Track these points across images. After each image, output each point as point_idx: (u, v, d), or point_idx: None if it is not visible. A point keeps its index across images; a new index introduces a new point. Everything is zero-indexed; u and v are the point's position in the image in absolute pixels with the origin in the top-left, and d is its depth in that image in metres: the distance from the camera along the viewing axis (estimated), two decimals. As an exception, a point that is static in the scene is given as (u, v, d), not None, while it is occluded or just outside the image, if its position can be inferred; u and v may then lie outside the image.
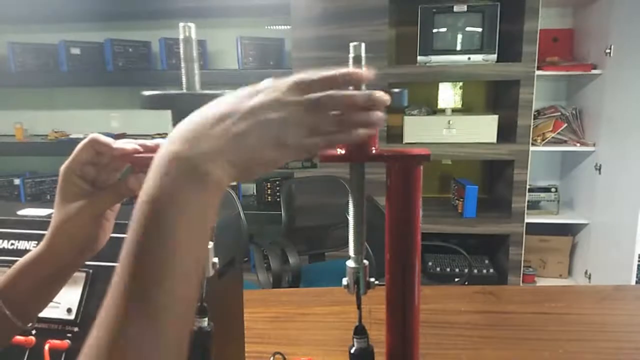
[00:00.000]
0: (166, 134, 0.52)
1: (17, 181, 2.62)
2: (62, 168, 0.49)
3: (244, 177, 0.39)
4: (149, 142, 0.51)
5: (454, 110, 2.41)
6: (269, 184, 2.55)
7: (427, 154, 0.47)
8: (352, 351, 0.52)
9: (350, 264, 0.50)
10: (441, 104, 2.46)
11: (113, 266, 0.74)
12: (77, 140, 0.51)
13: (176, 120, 0.49)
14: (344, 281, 0.50)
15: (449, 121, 2.22)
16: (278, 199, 2.43)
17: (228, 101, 0.39)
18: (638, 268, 2.12)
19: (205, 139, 0.37)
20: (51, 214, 0.50)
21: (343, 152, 0.47)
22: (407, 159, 0.47)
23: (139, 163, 0.49)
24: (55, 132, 2.66)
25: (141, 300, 0.34)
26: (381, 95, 0.41)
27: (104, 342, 0.33)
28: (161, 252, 0.35)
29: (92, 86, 2.63)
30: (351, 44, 0.44)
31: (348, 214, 0.50)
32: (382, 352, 0.52)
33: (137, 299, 0.34)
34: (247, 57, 2.42)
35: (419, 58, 2.19)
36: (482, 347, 0.83)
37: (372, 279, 0.50)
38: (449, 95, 2.49)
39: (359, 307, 0.51)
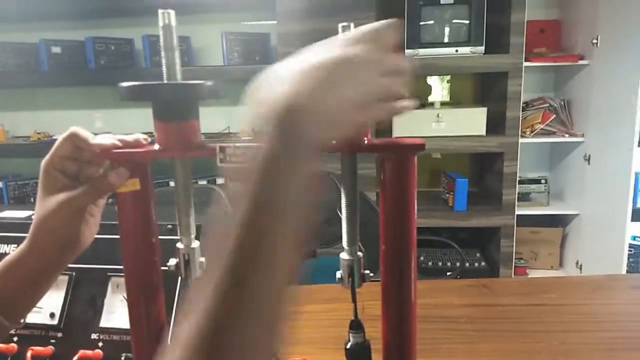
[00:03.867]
0: (151, 132, 0.51)
1: (-1, 184, 2.56)
2: (43, 162, 0.49)
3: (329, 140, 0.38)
4: (128, 138, 0.49)
5: (443, 104, 2.40)
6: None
7: (421, 144, 0.45)
8: (347, 346, 0.50)
9: (344, 256, 0.48)
10: (430, 97, 2.45)
11: (96, 269, 0.72)
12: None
13: (157, 112, 0.47)
14: (338, 274, 0.48)
15: (437, 114, 2.21)
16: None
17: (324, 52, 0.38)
18: (628, 257, 2.14)
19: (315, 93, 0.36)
20: (31, 215, 0.49)
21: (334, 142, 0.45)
22: (401, 149, 0.46)
23: (117, 159, 0.47)
24: (38, 133, 2.60)
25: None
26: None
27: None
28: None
29: (74, 85, 2.58)
30: (340, 25, 0.42)
31: (339, 210, 0.49)
32: (377, 349, 0.51)
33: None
34: (232, 52, 2.39)
35: (406, 51, 2.18)
36: (477, 341, 0.82)
37: (367, 271, 0.48)
38: (437, 88, 2.48)
39: (354, 301, 0.49)
